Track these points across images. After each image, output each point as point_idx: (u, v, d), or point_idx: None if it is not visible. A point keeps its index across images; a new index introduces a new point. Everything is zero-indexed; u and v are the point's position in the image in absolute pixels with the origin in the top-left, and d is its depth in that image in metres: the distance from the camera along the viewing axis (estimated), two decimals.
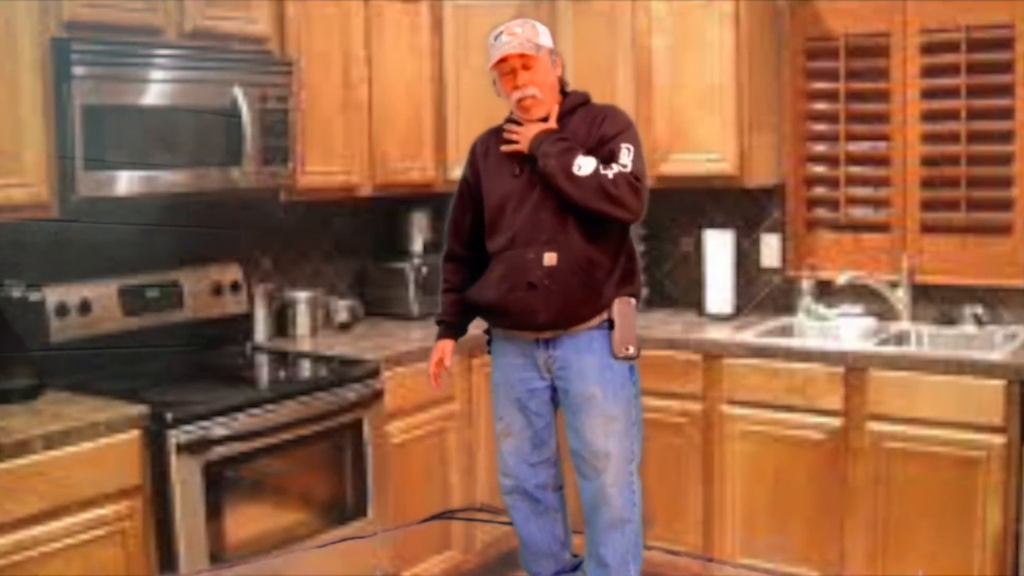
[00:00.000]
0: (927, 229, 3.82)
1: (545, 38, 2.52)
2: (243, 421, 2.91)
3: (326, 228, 4.07)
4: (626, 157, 2.42)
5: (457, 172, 4.04)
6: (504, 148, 2.51)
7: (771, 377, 3.52)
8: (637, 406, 2.53)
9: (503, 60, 2.48)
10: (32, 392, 2.84)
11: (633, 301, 2.50)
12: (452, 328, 2.67)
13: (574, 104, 2.56)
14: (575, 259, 2.42)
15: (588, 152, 2.44)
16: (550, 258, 2.42)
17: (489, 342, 2.66)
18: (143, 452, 2.71)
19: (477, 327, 2.74)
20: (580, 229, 2.44)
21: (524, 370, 2.52)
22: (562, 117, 2.53)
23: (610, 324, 2.45)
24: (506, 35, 2.49)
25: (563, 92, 2.58)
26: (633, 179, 2.40)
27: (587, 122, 2.51)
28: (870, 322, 3.82)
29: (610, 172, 2.39)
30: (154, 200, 3.08)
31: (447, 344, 2.67)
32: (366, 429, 3.30)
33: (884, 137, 3.88)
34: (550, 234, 2.42)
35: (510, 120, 2.59)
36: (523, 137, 2.48)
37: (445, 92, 4.00)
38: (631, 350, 2.46)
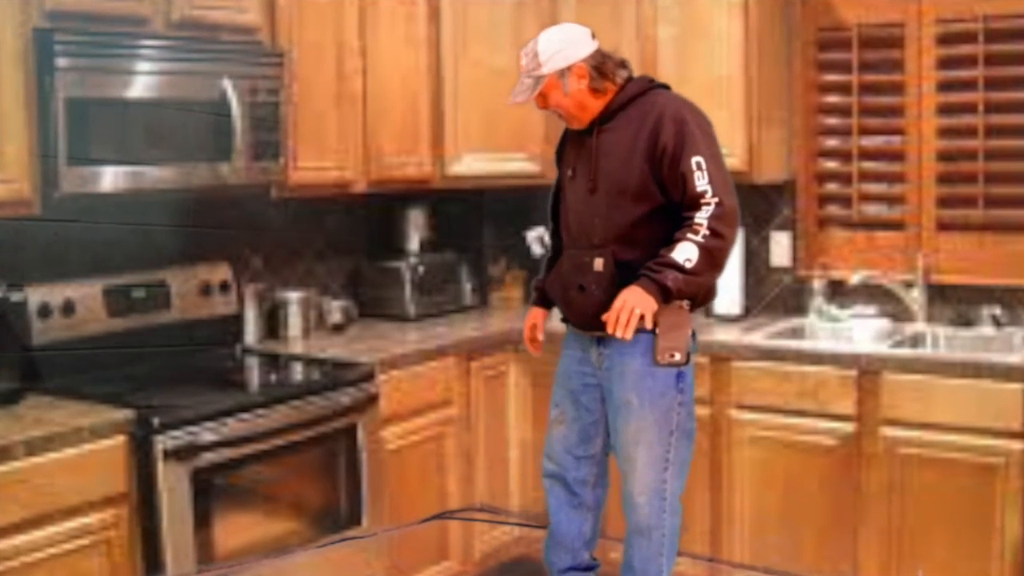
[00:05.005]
0: (943, 227, 3.78)
1: (552, 61, 2.39)
2: (232, 426, 2.89)
3: (319, 226, 4.05)
4: (701, 181, 2.29)
5: (455, 168, 4.12)
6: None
7: (781, 380, 3.49)
8: (683, 413, 2.48)
9: None
10: (13, 396, 2.82)
11: (686, 305, 2.42)
12: (544, 297, 2.65)
13: (624, 101, 2.43)
14: (623, 265, 2.38)
15: (649, 161, 2.33)
16: (599, 263, 2.41)
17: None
18: (129, 458, 2.70)
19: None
20: (631, 235, 2.40)
21: (581, 364, 2.54)
22: (610, 118, 2.43)
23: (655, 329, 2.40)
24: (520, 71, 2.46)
25: (618, 82, 2.45)
26: (716, 207, 2.28)
27: (636, 121, 2.39)
28: (884, 323, 3.79)
29: (702, 229, 2.27)
30: (140, 197, 3.06)
31: (537, 313, 2.67)
32: (360, 434, 3.28)
33: (898, 131, 3.84)
34: (601, 239, 2.41)
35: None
36: (631, 306, 2.27)
37: (442, 84, 3.98)
38: (676, 356, 2.42)
